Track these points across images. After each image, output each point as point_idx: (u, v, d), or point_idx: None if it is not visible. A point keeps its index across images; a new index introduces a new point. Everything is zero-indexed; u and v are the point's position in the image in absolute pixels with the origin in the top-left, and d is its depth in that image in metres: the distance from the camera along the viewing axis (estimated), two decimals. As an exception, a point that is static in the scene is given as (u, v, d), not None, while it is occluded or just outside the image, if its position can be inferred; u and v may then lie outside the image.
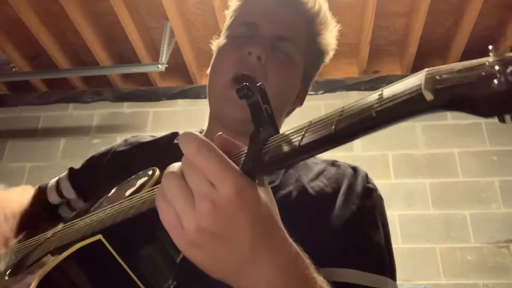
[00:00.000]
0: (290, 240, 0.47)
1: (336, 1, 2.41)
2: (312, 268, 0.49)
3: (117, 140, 1.01)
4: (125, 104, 2.96)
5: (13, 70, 2.91)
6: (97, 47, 2.67)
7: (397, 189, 2.46)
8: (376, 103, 0.35)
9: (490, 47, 0.31)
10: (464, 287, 2.21)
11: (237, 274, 0.46)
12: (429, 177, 2.50)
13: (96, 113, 2.96)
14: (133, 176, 0.70)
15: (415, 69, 2.72)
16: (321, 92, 2.77)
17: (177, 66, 2.81)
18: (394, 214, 2.38)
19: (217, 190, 0.42)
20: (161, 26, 2.61)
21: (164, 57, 2.57)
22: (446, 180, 2.48)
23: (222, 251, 0.44)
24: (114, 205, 0.59)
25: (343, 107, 0.39)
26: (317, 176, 0.79)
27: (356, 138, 0.37)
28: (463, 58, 2.62)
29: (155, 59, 2.68)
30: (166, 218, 0.44)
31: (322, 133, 0.37)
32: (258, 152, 0.42)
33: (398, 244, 2.29)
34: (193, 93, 2.89)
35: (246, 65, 0.79)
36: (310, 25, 0.88)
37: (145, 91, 2.97)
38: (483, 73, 0.29)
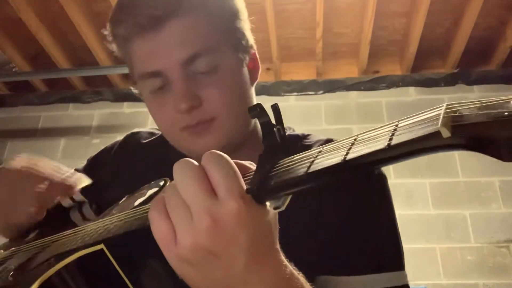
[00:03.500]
0: (285, 261, 0.47)
1: (336, 1, 2.41)
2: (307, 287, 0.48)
3: (117, 140, 1.00)
4: (125, 104, 2.96)
5: (13, 70, 2.91)
6: (97, 47, 2.67)
7: (397, 189, 2.46)
8: (391, 135, 0.33)
9: None
10: (464, 287, 2.21)
11: None
12: (429, 177, 2.50)
13: (96, 113, 2.96)
14: (145, 186, 0.70)
15: (415, 69, 2.72)
16: (321, 92, 2.77)
17: (177, 66, 2.81)
18: (394, 214, 2.38)
19: (221, 206, 0.40)
20: (161, 26, 2.61)
21: (164, 57, 2.57)
22: (446, 180, 2.48)
23: (215, 270, 0.43)
24: (121, 215, 0.60)
25: (356, 135, 0.38)
26: None
27: (367, 170, 0.35)
28: (463, 58, 2.62)
29: (155, 59, 2.67)
30: (158, 230, 0.43)
31: (332, 162, 0.36)
32: (265, 176, 0.41)
33: (398, 244, 2.28)
34: (193, 93, 2.89)
35: (187, 119, 0.71)
36: (188, 11, 0.71)
37: (145, 91, 2.97)
38: (506, 112, 0.27)
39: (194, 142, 0.73)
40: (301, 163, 0.39)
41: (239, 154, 0.59)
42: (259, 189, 0.40)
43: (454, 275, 2.25)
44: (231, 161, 0.42)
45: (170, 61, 0.70)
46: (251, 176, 0.42)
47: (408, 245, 2.30)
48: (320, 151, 0.39)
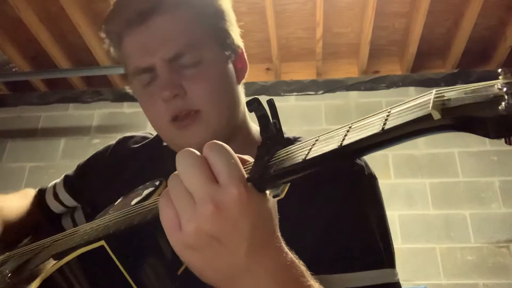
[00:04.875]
0: (286, 249, 0.47)
1: (336, 1, 2.41)
2: (307, 276, 0.49)
3: (117, 140, 1.00)
4: (125, 104, 2.96)
5: (13, 70, 2.91)
6: (97, 47, 2.67)
7: (397, 189, 2.47)
8: (384, 120, 0.34)
9: (500, 69, 0.30)
10: (464, 287, 2.21)
11: (230, 280, 0.45)
12: (429, 177, 2.50)
13: (96, 113, 2.96)
14: (140, 186, 0.70)
15: (415, 69, 2.72)
16: (321, 92, 2.77)
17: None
18: (394, 214, 2.38)
19: (223, 192, 0.41)
20: (161, 26, 2.60)
21: (164, 57, 2.56)
22: (446, 180, 2.48)
23: (218, 257, 0.44)
24: (119, 213, 0.60)
25: (351, 123, 0.39)
26: None
27: (363, 155, 0.36)
28: (463, 58, 2.62)
29: (155, 59, 2.67)
30: (165, 216, 0.44)
31: (329, 148, 0.37)
32: (264, 165, 0.42)
33: (398, 244, 2.29)
34: (193, 93, 2.88)
35: (173, 108, 0.74)
36: (172, 6, 0.74)
37: (145, 91, 2.97)
38: (491, 95, 0.29)
39: (182, 135, 0.75)
40: (299, 152, 0.40)
41: None
42: (260, 177, 0.42)
43: (454, 275, 2.25)
44: (232, 150, 0.43)
45: (156, 58, 0.73)
46: (251, 167, 0.43)
47: (408, 245, 2.32)
48: (317, 140, 0.41)
